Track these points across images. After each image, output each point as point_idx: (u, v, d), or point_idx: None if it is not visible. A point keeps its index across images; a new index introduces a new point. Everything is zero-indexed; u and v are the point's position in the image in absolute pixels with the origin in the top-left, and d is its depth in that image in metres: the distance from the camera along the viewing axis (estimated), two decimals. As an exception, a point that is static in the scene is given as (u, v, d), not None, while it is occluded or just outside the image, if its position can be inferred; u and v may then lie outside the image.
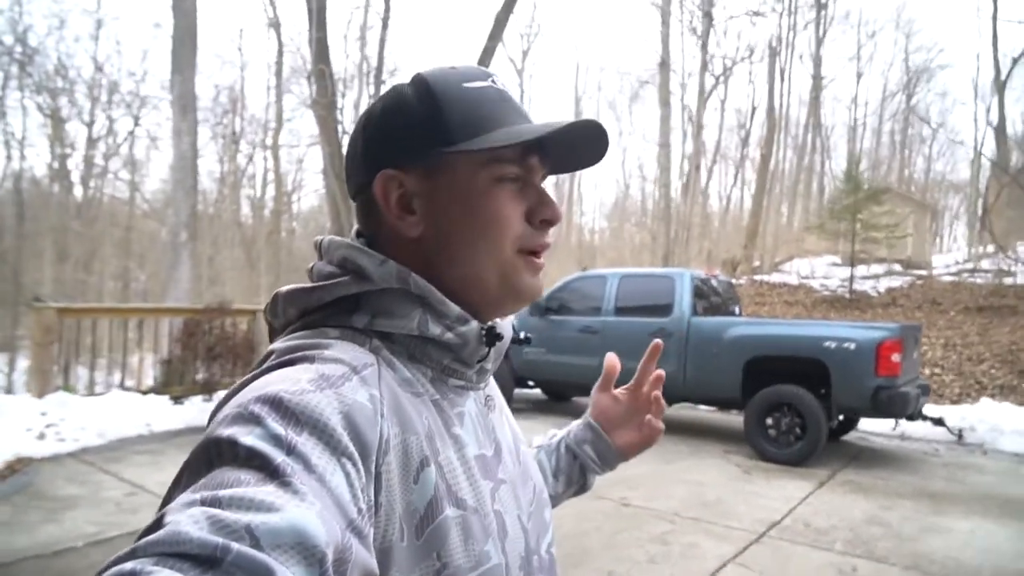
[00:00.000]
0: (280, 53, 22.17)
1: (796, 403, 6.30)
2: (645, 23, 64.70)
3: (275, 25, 21.88)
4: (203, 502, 0.42)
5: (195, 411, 6.87)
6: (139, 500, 4.54)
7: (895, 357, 6.01)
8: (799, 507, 4.91)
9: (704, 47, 22.43)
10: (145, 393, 7.10)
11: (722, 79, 27.60)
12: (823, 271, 19.45)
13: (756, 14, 24.50)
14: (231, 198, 26.53)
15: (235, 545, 0.39)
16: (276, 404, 0.51)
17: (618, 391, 1.01)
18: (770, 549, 4.10)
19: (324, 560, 0.42)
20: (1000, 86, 23.96)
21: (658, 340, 1.00)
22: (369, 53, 21.04)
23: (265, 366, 0.60)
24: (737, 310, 8.42)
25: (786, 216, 29.96)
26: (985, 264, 18.57)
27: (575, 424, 1.03)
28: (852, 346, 6.18)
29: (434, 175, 0.67)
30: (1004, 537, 4.49)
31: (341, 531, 0.46)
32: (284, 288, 0.69)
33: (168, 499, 0.46)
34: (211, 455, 0.48)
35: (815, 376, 6.37)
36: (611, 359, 0.99)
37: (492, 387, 0.79)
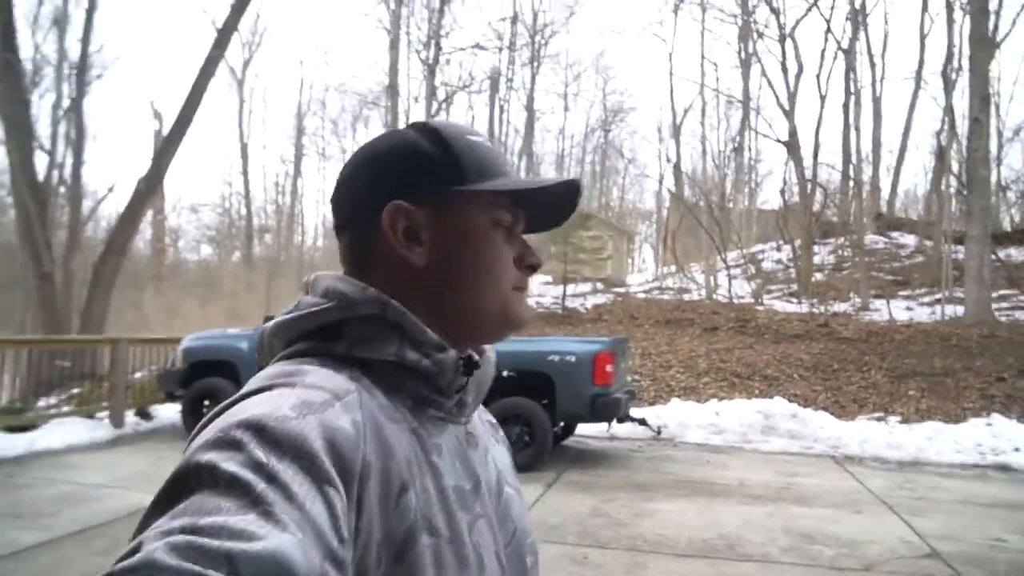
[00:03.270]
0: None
1: (525, 413, 6.88)
2: (373, 45, 65.13)
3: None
4: (182, 530, 0.43)
5: None
6: None
7: (609, 368, 6.88)
8: (533, 509, 5.40)
9: (432, 74, 23.34)
10: None
11: (444, 106, 28.85)
12: (538, 290, 21.22)
13: (479, 47, 26.16)
14: None
15: (213, 573, 0.39)
16: (258, 430, 0.51)
17: None
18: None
19: None
20: (676, 130, 28.25)
21: None
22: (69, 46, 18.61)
23: (244, 391, 0.59)
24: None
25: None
26: (669, 282, 21.72)
27: None
28: (573, 359, 6.93)
29: (443, 211, 0.72)
30: (693, 512, 5.41)
31: (320, 561, 0.46)
32: (270, 323, 0.71)
33: (145, 525, 0.46)
34: (190, 481, 0.48)
35: (541, 387, 7.02)
36: None
37: (477, 425, 0.80)
